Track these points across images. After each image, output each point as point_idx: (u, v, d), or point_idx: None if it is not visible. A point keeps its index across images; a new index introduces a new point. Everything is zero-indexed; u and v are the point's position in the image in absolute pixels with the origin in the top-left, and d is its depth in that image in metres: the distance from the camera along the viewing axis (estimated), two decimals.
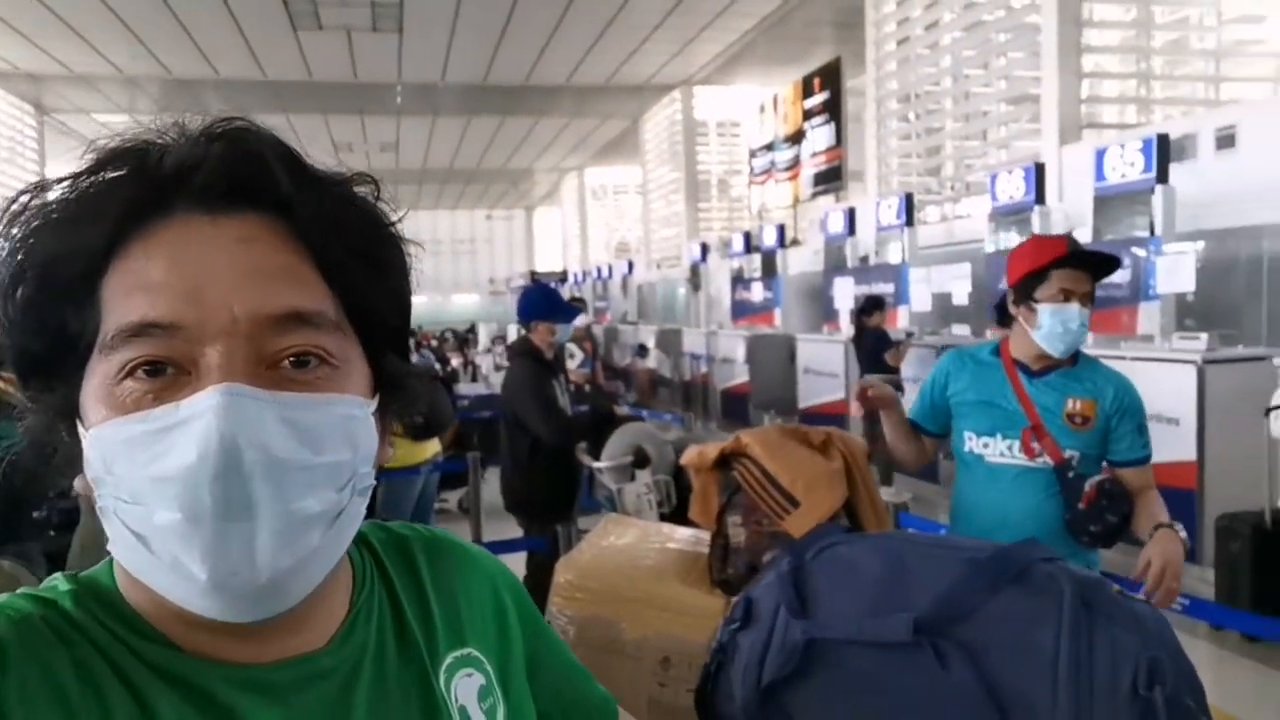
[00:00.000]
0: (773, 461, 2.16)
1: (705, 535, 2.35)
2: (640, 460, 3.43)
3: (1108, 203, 6.33)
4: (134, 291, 0.53)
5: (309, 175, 0.57)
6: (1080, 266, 2.26)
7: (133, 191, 0.54)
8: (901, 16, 11.02)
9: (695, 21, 13.54)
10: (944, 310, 8.01)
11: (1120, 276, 5.92)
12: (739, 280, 12.42)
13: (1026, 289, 2.28)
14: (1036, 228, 7.01)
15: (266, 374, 0.53)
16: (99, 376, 0.54)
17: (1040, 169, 7.17)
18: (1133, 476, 2.30)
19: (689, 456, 2.28)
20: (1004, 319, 2.41)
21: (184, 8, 11.31)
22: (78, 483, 0.57)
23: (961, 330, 7.37)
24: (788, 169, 13.96)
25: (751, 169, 15.32)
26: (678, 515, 3.22)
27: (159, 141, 0.56)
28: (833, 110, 12.75)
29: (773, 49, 14.54)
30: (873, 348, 6.99)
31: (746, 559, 2.16)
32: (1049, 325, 2.25)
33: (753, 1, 12.74)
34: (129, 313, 0.52)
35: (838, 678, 1.22)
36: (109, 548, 0.56)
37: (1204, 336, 4.64)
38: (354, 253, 0.57)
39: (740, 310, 12.06)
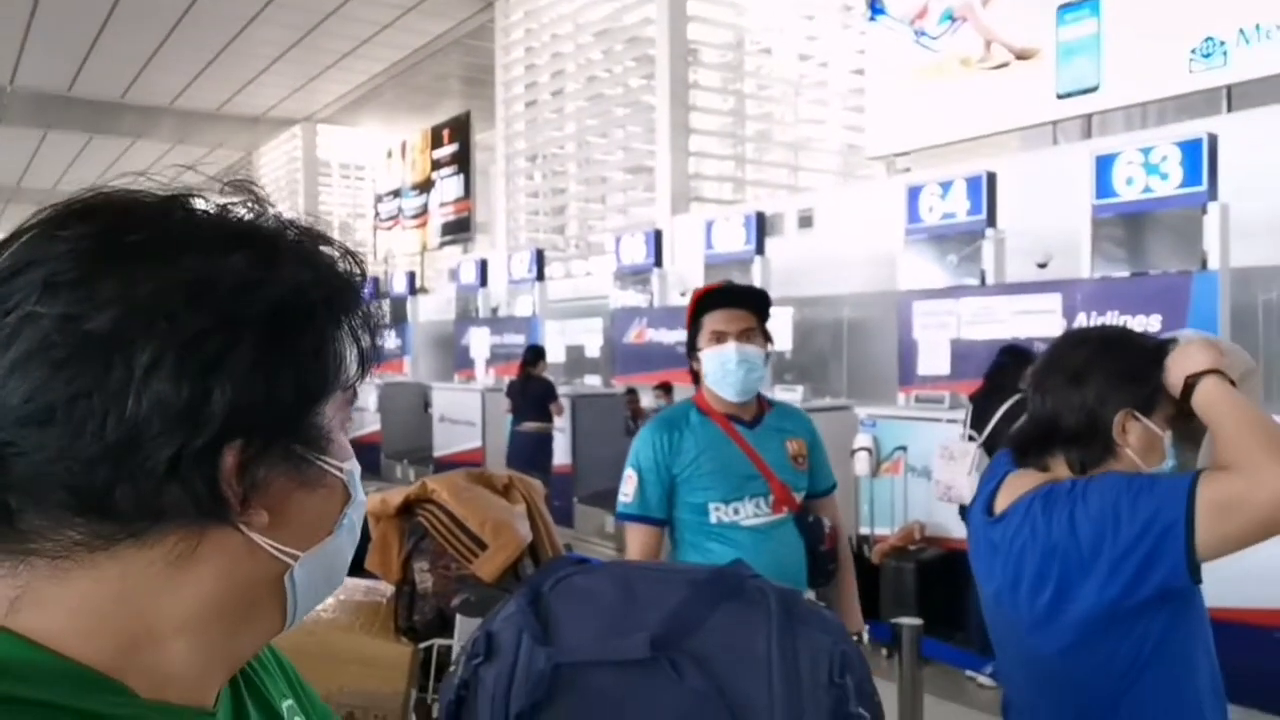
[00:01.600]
0: (460, 506, 2.18)
1: (379, 585, 2.31)
2: None
3: (716, 269, 7.13)
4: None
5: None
6: (736, 305, 2.25)
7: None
8: (529, 80, 11.58)
9: (319, 59, 13.16)
10: (575, 362, 8.46)
11: None
12: None
13: (691, 341, 2.28)
14: (655, 288, 7.69)
15: None
16: (339, 420, 0.60)
17: (659, 235, 7.89)
18: (827, 505, 2.39)
19: (370, 505, 2.23)
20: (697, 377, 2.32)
21: None
22: (253, 514, 0.56)
23: (594, 380, 7.84)
24: (416, 216, 13.96)
25: (377, 213, 15.09)
26: None
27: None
28: (462, 163, 13.00)
29: (401, 96, 14.52)
30: (541, 396, 7.22)
31: (435, 604, 2.16)
32: (711, 370, 2.22)
33: (380, 46, 12.69)
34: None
35: (584, 699, 1.30)
36: (296, 572, 0.58)
37: (800, 389, 5.41)
38: None
39: None
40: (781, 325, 5.83)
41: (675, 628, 1.26)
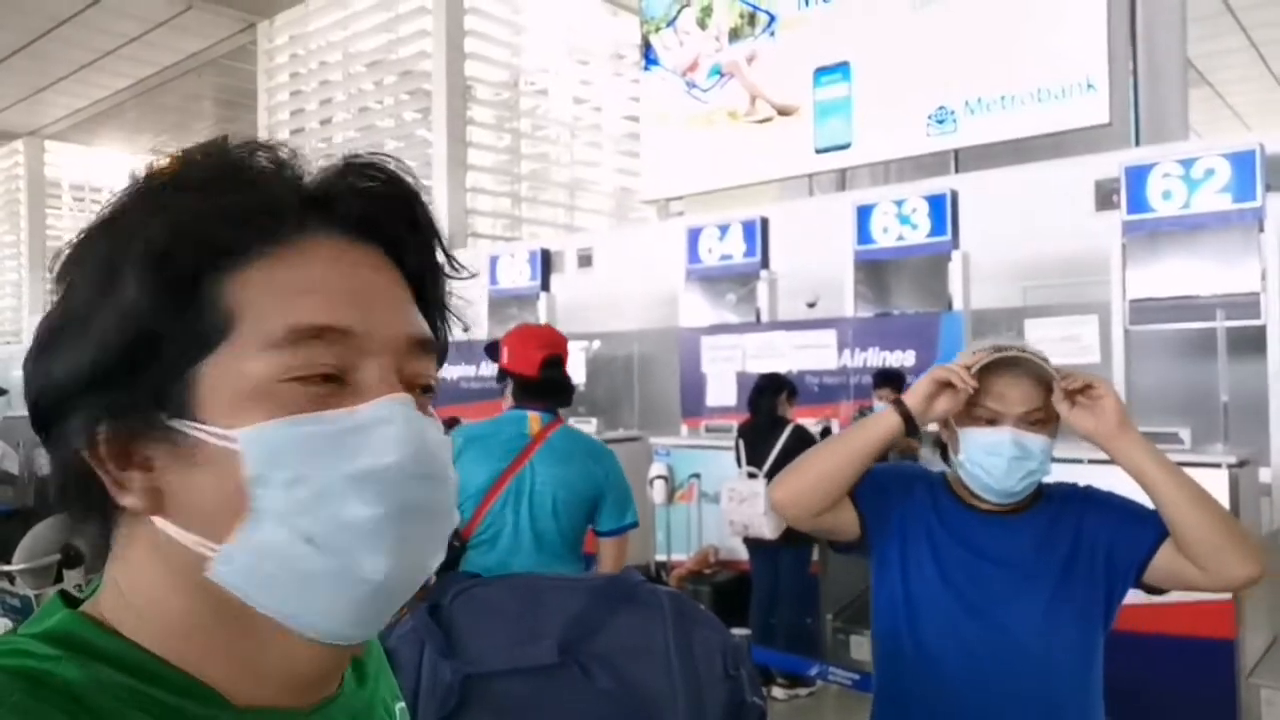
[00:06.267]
0: None
1: None
2: (72, 559, 2.93)
3: (500, 304, 7.15)
4: (303, 294, 0.51)
5: (429, 219, 0.59)
6: None
7: (283, 201, 0.52)
8: (295, 107, 11.14)
9: (49, 69, 11.99)
10: None
11: None
12: None
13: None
14: None
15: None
16: (253, 374, 0.50)
17: None
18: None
19: None
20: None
21: None
22: (129, 500, 0.50)
23: None
24: None
25: None
26: None
27: (289, 160, 0.54)
28: None
29: (147, 115, 13.49)
30: None
31: None
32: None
33: (125, 61, 11.75)
34: (302, 314, 0.50)
35: (497, 707, 1.31)
36: (218, 569, 0.50)
37: (594, 421, 5.53)
38: (438, 300, 0.60)
39: None
40: (575, 361, 5.95)
41: (579, 632, 1.31)
